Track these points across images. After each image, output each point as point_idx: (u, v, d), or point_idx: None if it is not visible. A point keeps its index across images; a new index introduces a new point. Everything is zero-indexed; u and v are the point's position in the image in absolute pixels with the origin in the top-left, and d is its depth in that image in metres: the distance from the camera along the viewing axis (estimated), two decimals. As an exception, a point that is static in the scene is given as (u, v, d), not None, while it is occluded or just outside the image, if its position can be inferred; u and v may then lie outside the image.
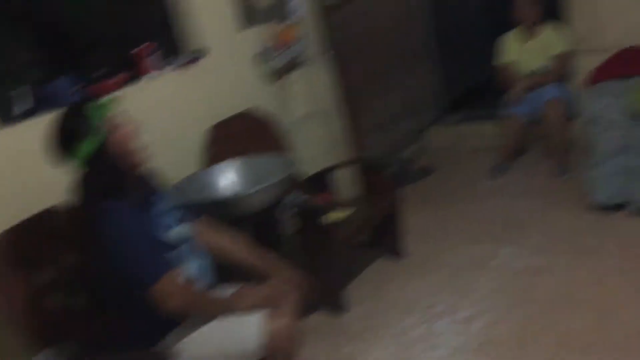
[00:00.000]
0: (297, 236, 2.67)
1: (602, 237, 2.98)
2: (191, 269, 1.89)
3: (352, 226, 2.90)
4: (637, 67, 3.23)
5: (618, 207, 3.14)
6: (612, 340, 2.27)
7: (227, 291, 1.96)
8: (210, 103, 2.93)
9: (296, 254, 2.63)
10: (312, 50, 3.56)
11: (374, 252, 3.23)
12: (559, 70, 3.78)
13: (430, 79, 4.67)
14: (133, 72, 2.66)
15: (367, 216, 3.00)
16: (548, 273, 2.79)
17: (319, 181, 3.20)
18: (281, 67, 3.29)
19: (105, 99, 1.87)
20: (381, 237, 3.20)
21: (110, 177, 1.77)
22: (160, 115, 2.70)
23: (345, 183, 3.45)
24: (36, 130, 2.21)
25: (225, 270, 2.06)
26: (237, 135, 2.96)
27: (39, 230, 2.08)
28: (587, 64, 3.61)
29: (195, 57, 2.87)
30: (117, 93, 2.50)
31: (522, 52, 3.87)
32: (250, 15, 3.16)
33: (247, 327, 1.82)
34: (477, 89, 4.98)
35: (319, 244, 2.68)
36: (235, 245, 2.09)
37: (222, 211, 2.39)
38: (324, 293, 2.76)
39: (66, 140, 1.77)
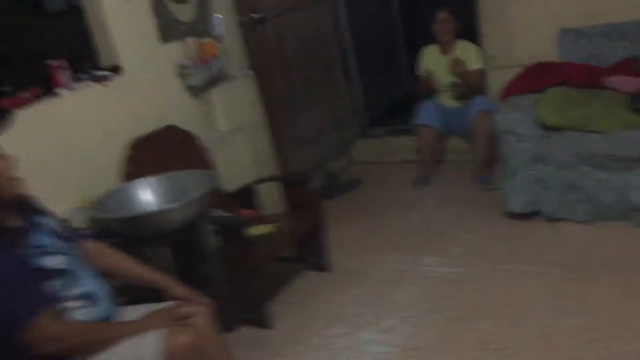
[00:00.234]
0: (220, 252, 2.64)
1: (516, 244, 3.12)
2: (87, 292, 1.82)
3: (277, 241, 2.90)
4: (545, 82, 3.41)
5: (531, 215, 3.29)
6: (526, 342, 2.37)
7: (131, 314, 1.92)
8: (129, 118, 2.87)
9: (219, 270, 2.60)
10: (234, 65, 3.56)
11: (299, 266, 3.24)
12: (478, 87, 3.95)
13: (352, 94, 4.76)
14: (47, 86, 2.58)
15: (292, 230, 3.02)
16: (467, 280, 2.88)
17: (243, 196, 3.19)
18: (203, 82, 3.27)
19: None
20: (306, 251, 3.22)
21: None
22: (76, 130, 2.62)
23: (270, 198, 3.45)
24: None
25: (129, 292, 2.02)
26: (159, 151, 2.91)
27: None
28: (500, 79, 3.79)
29: (113, 72, 2.81)
30: (30, 108, 2.42)
31: (439, 66, 4.03)
32: (170, 30, 3.13)
33: (146, 344, 1.76)
34: (399, 103, 5.14)
35: (242, 259, 2.66)
36: (129, 265, 2.05)
37: (143, 227, 2.34)
38: (248, 308, 2.75)
39: None
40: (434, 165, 4.21)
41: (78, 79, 2.70)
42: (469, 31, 4.08)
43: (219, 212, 2.82)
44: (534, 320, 2.48)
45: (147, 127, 2.93)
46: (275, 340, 2.67)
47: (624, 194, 3.01)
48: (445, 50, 4.04)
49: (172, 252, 2.58)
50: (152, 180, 2.65)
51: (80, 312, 1.79)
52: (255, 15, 3.65)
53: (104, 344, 1.75)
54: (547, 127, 3.17)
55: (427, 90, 4.11)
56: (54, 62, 2.62)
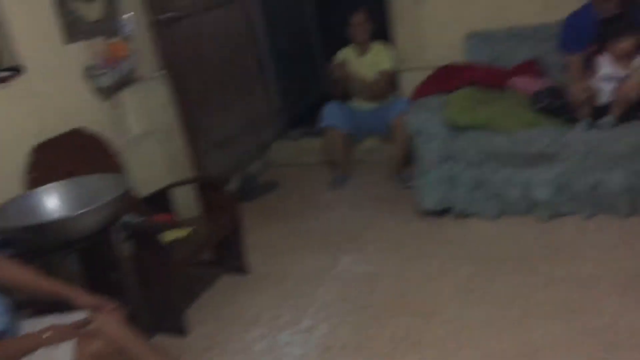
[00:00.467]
0: (133, 258, 2.56)
1: (428, 242, 3.21)
2: None
3: (193, 245, 2.85)
4: (453, 83, 3.54)
5: (444, 212, 3.40)
6: (440, 335, 2.44)
7: (36, 326, 1.83)
8: (32, 121, 2.73)
9: (132, 277, 2.52)
10: (145, 67, 3.47)
11: (217, 269, 3.20)
12: (381, 87, 4.04)
13: (269, 97, 4.75)
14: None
15: (208, 234, 2.97)
16: (382, 277, 2.94)
17: (158, 201, 3.11)
18: (112, 84, 3.15)
19: None
20: (224, 254, 3.18)
21: None
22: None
23: (186, 202, 3.38)
24: None
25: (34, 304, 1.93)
26: (65, 155, 2.79)
27: None
28: (412, 80, 3.90)
29: (12, 72, 2.67)
30: None
31: (356, 66, 4.10)
32: (76, 29, 3.00)
33: (56, 355, 1.71)
34: (316, 104, 5.17)
35: (156, 265, 2.59)
36: (29, 277, 1.95)
37: (48, 235, 2.23)
38: (164, 315, 2.68)
39: None
40: (348, 165, 4.27)
41: (-26, 81, 2.54)
42: (385, 33, 4.18)
43: (131, 218, 2.73)
44: (447, 314, 2.57)
45: (53, 130, 2.80)
46: (192, 347, 2.62)
47: (527, 189, 3.16)
48: (361, 52, 4.12)
49: (81, 261, 2.49)
50: (57, 185, 2.53)
51: None
52: (168, 15, 3.57)
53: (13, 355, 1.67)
54: (455, 127, 3.29)
55: (342, 77, 4.13)
56: (-54, 63, 2.46)
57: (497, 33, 3.80)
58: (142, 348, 1.92)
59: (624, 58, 3.04)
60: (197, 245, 2.87)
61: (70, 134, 2.86)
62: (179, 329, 2.68)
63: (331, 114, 4.12)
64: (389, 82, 4.10)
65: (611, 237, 2.93)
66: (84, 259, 2.51)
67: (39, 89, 2.79)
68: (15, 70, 2.69)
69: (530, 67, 3.60)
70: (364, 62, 4.11)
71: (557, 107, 3.20)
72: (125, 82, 3.29)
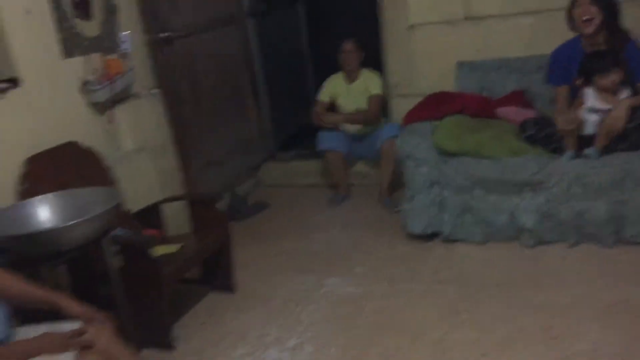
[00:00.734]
0: (122, 272, 2.57)
1: (415, 265, 3.25)
2: None
3: (181, 261, 2.86)
4: (442, 110, 3.61)
5: (431, 236, 3.45)
6: (426, 355, 2.47)
7: (31, 333, 1.84)
8: (27, 133, 2.75)
9: (120, 290, 2.53)
10: (140, 84, 3.51)
11: (204, 286, 3.21)
12: (373, 112, 4.12)
13: (261, 118, 4.81)
14: None
15: (197, 250, 2.99)
16: (368, 300, 2.96)
17: (148, 216, 3.13)
18: (107, 99, 3.19)
19: None
20: (212, 271, 3.19)
21: None
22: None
23: (176, 218, 3.40)
24: None
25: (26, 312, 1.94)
26: (58, 167, 2.80)
27: None
28: (403, 106, 3.97)
29: (9, 84, 2.70)
30: None
31: (345, 93, 4.20)
32: (73, 44, 3.04)
33: None
34: (307, 127, 5.24)
35: (144, 279, 2.61)
36: (21, 285, 1.94)
37: (39, 245, 2.24)
38: (151, 329, 2.68)
39: None
40: (347, 185, 4.34)
41: (-29, 90, 2.57)
42: (375, 60, 4.27)
43: (121, 231, 2.74)
44: (432, 336, 2.59)
45: (47, 143, 2.82)
46: (178, 362, 2.62)
47: (513, 216, 3.22)
48: (350, 79, 4.21)
49: (70, 272, 2.49)
50: (49, 197, 2.54)
51: None
52: (164, 35, 3.63)
53: None
54: (444, 153, 3.35)
55: (319, 117, 4.24)
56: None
57: (486, 63, 3.89)
58: None
59: (609, 92, 3.13)
60: (186, 261, 2.89)
61: (64, 146, 2.88)
62: (166, 344, 2.69)
63: (327, 138, 4.22)
64: (379, 107, 4.17)
65: (594, 265, 2.99)
66: (74, 270, 2.52)
67: (35, 101, 2.82)
68: (13, 82, 2.72)
69: (517, 97, 3.69)
70: (353, 89, 4.20)
71: (543, 136, 3.28)
72: (120, 98, 3.33)
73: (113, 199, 2.48)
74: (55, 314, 1.92)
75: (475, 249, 3.31)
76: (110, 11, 3.32)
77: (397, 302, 2.91)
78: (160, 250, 2.85)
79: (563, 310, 2.65)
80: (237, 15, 4.51)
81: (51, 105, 2.91)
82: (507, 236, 3.28)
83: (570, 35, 3.34)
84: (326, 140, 4.22)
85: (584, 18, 3.15)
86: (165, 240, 3.01)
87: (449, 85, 3.95)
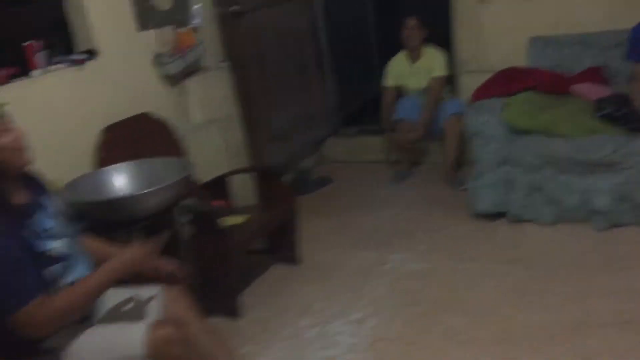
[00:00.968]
0: (193, 240, 2.64)
1: (481, 244, 3.20)
2: (79, 280, 1.79)
3: (249, 232, 2.92)
4: (514, 86, 3.51)
5: (497, 216, 3.38)
6: (491, 335, 2.43)
7: (116, 295, 1.92)
8: (104, 103, 2.85)
9: (192, 258, 2.60)
10: (211, 57, 3.56)
11: (269, 258, 3.26)
12: (436, 94, 4.04)
13: (326, 93, 4.81)
14: (21, 67, 2.54)
15: (264, 222, 3.03)
16: (432, 276, 2.94)
17: (217, 187, 3.19)
18: (179, 71, 3.26)
19: None
20: (277, 243, 3.24)
21: None
22: (49, 112, 2.59)
23: (243, 190, 3.46)
24: None
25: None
26: (132, 137, 2.89)
27: None
28: (471, 83, 3.88)
29: (88, 56, 2.79)
30: (2, 87, 2.38)
31: (409, 73, 4.13)
32: (148, 17, 3.12)
33: (132, 335, 1.76)
34: (371, 103, 5.21)
35: (214, 249, 2.67)
36: (103, 246, 2.03)
37: (116, 212, 2.33)
38: (220, 297, 2.75)
39: None
40: (411, 162, 4.30)
41: (53, 61, 2.67)
42: (442, 37, 4.18)
43: (191, 201, 2.81)
44: (497, 316, 2.56)
45: (122, 113, 2.92)
46: (245, 330, 2.68)
47: (586, 197, 3.11)
48: (413, 57, 4.13)
49: (144, 240, 2.57)
50: (125, 166, 2.63)
51: None
52: (234, 8, 3.66)
53: (89, 300, 1.75)
54: (514, 130, 3.27)
55: (387, 105, 4.19)
56: (28, 43, 2.59)
57: (561, 38, 3.75)
58: (209, 338, 2.00)
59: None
60: (253, 232, 2.94)
61: (137, 117, 2.97)
62: (233, 312, 2.75)
63: (405, 107, 4.12)
64: (442, 88, 4.09)
65: (671, 249, 2.87)
66: (146, 238, 2.60)
67: (111, 72, 2.91)
68: (91, 54, 2.82)
69: (594, 74, 3.54)
70: (417, 68, 4.11)
71: (621, 115, 3.14)
72: (190, 71, 3.39)
73: (185, 169, 2.55)
74: (138, 278, 1.99)
75: (544, 229, 3.23)
76: (183, -16, 3.37)
77: (461, 280, 2.88)
78: (228, 221, 2.90)
79: (636, 295, 2.56)
80: (304, -12, 4.50)
81: (126, 76, 3.00)
82: (578, 217, 3.18)
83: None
84: (401, 109, 4.12)
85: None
86: (232, 212, 3.06)
87: (520, 61, 3.83)
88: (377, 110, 4.34)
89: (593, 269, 2.80)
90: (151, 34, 3.15)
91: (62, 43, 2.95)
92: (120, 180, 2.59)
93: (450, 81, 4.17)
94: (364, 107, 5.21)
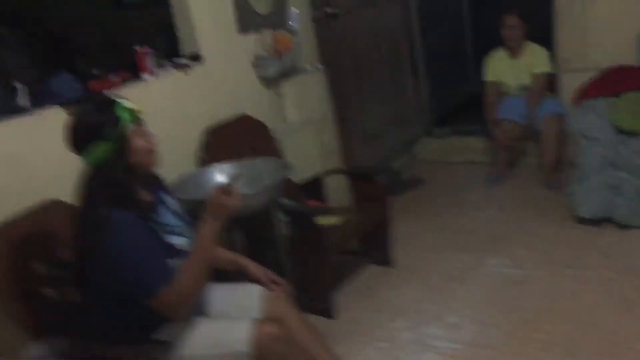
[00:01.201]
0: (290, 239, 2.70)
1: (584, 250, 3.06)
2: None
3: (343, 232, 2.94)
4: (622, 86, 3.33)
5: (601, 221, 3.22)
6: (594, 347, 2.33)
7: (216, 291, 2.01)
8: (207, 105, 2.96)
9: (288, 257, 2.66)
10: (306, 59, 3.62)
11: (363, 259, 3.27)
12: (539, 90, 3.90)
13: (418, 93, 4.76)
14: (132, 72, 2.69)
15: (359, 223, 3.05)
16: (531, 283, 2.85)
17: (311, 187, 3.24)
18: (276, 74, 3.33)
19: (131, 103, 1.77)
20: (371, 244, 3.24)
21: (120, 186, 1.72)
22: (156, 114, 2.71)
23: (337, 191, 3.49)
24: (33, 125, 2.25)
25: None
26: (232, 138, 2.99)
27: (37, 223, 2.09)
28: (573, 82, 3.72)
29: (192, 60, 2.90)
30: (117, 91, 2.52)
31: (509, 70, 4.00)
32: (248, 21, 3.20)
33: (237, 331, 1.82)
34: (464, 104, 5.11)
35: (310, 248, 2.71)
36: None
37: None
38: (314, 296, 2.79)
39: (86, 135, 1.70)
40: (508, 164, 4.19)
41: (161, 66, 2.80)
42: (541, 32, 4.03)
43: (288, 201, 2.87)
44: (601, 326, 2.44)
45: (223, 114, 3.02)
46: (339, 330, 2.70)
47: (702, 204, 2.92)
48: (514, 54, 4.01)
49: (243, 237, 2.65)
50: (226, 165, 2.72)
51: None
52: (330, 10, 3.69)
53: (204, 275, 1.79)
54: (622, 132, 3.11)
55: (489, 100, 4.09)
56: (139, 48, 2.73)
57: (676, 34, 3.52)
58: (310, 337, 2.04)
59: None
60: (348, 232, 2.96)
61: (238, 118, 3.07)
62: (328, 311, 2.78)
63: (508, 107, 4.02)
64: (545, 85, 3.94)
65: None
66: (246, 235, 2.68)
67: (214, 75, 3.02)
68: (196, 58, 2.93)
69: None
70: (518, 65, 3.99)
71: None
72: (287, 73, 3.46)
73: (284, 170, 2.60)
74: (239, 276, 2.07)
75: (654, 237, 3.05)
76: (281, -12, 3.44)
77: (563, 287, 2.77)
78: (323, 221, 2.94)
79: None
80: (399, -12, 4.48)
81: (227, 79, 3.10)
82: (692, 226, 2.98)
83: None
84: (504, 109, 4.01)
85: None
86: (327, 212, 3.10)
87: (628, 59, 3.62)
88: (471, 110, 4.24)
89: None
90: (251, 37, 3.24)
91: (167, 45, 3.09)
92: (222, 179, 2.68)
93: (549, 79, 4.01)
94: (458, 108, 5.12)
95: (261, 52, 3.28)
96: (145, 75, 2.70)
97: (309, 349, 2.00)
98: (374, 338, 2.62)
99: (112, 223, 1.66)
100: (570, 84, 3.79)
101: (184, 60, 2.88)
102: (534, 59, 3.93)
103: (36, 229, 2.07)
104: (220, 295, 2.04)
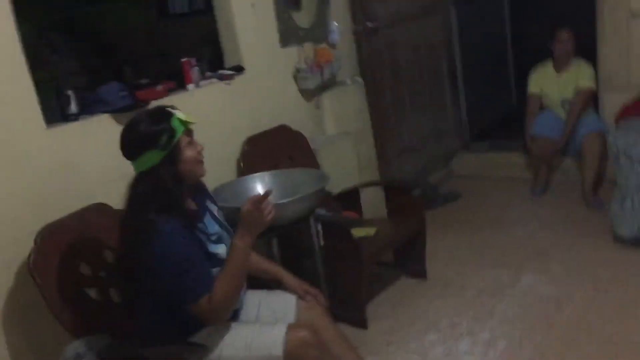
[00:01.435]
0: (325, 250, 2.73)
1: (622, 271, 3.01)
2: None
3: (377, 244, 2.96)
4: (667, 105, 3.29)
5: (642, 241, 3.17)
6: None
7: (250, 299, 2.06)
8: (248, 116, 3.04)
9: (323, 267, 2.70)
10: (346, 72, 3.67)
11: (397, 271, 3.29)
12: (581, 105, 3.87)
13: (457, 107, 4.76)
14: (177, 82, 2.78)
15: (393, 235, 3.07)
16: (568, 302, 2.82)
17: (347, 199, 3.27)
18: (316, 86, 3.39)
19: (184, 114, 1.84)
20: (405, 257, 3.26)
21: (168, 193, 1.76)
22: (199, 124, 2.79)
23: (373, 202, 3.51)
24: (82, 131, 2.35)
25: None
26: (271, 148, 3.06)
27: (83, 225, 2.18)
28: (616, 101, 3.68)
29: (235, 72, 2.99)
30: (163, 100, 2.61)
31: (554, 83, 3.98)
32: (290, 35, 3.28)
33: (272, 336, 1.86)
34: (503, 119, 5.09)
35: (345, 259, 2.74)
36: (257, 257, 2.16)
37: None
38: (347, 307, 2.82)
39: (142, 143, 1.76)
40: (547, 180, 4.16)
41: (205, 76, 2.89)
42: (584, 49, 4.00)
43: (323, 212, 2.91)
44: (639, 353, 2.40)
45: (263, 125, 3.09)
46: (371, 340, 2.72)
47: None
48: (560, 68, 3.98)
49: (279, 246, 2.70)
50: (265, 175, 2.78)
51: None
52: (371, 25, 3.74)
53: (241, 285, 1.86)
54: (666, 152, 3.05)
55: (531, 112, 4.07)
56: (185, 59, 2.82)
57: None
58: (342, 345, 2.07)
59: None
60: (383, 244, 2.98)
61: (277, 129, 3.13)
62: (360, 322, 2.81)
63: (543, 122, 4.01)
64: (587, 101, 3.91)
65: None
66: (282, 244, 2.73)
67: (256, 87, 3.09)
68: (239, 69, 3.01)
69: None
70: (562, 80, 3.96)
71: None
72: (326, 85, 3.52)
73: (321, 180, 2.65)
74: (275, 284, 2.11)
75: (697, 260, 2.99)
76: (322, 2, 3.50)
77: (601, 308, 2.73)
78: (358, 232, 2.97)
79: None
80: (440, 3, 4.49)
81: (268, 90, 3.17)
82: None
83: None
84: (539, 124, 4.00)
85: None
86: (362, 223, 3.13)
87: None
88: (511, 126, 4.22)
89: None
90: (292, 50, 3.31)
91: (211, 56, 3.19)
92: (260, 188, 2.74)
93: (591, 96, 3.97)
94: (497, 122, 5.10)
95: (302, 64, 3.34)
96: (190, 86, 2.79)
97: (341, 358, 2.03)
98: (406, 350, 2.63)
99: (158, 230, 1.71)
100: (612, 102, 3.76)
101: (227, 72, 2.96)
102: (579, 74, 3.90)
103: (82, 232, 2.16)
104: (256, 301, 2.08)
